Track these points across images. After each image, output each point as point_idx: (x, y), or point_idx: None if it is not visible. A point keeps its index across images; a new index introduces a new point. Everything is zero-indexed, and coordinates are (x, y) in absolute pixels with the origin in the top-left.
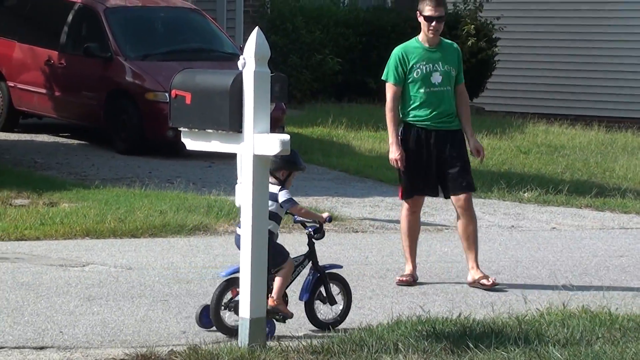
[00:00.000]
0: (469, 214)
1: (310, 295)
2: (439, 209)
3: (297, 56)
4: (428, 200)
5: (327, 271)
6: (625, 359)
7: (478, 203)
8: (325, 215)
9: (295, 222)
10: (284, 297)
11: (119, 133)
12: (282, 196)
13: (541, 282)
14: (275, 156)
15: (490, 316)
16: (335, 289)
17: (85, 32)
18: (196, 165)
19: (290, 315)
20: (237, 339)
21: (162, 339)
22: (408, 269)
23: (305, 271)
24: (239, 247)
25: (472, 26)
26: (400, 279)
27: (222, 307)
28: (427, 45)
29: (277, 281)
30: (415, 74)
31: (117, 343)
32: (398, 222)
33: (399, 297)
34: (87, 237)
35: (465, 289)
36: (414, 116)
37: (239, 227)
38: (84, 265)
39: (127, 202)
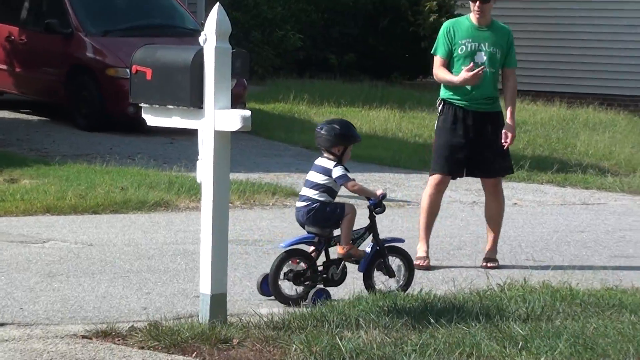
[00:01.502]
0: (497, 197)
1: (368, 267)
2: (400, 185)
3: (259, 32)
4: (390, 176)
5: (387, 244)
6: (585, 334)
7: None
8: (379, 192)
9: None
10: (342, 270)
11: (80, 109)
12: (336, 172)
13: (502, 257)
14: (329, 134)
15: (452, 292)
16: (397, 262)
17: (46, 8)
18: (157, 141)
19: (363, 255)
20: (293, 307)
21: (122, 315)
22: (422, 250)
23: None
24: (299, 222)
25: (435, 2)
26: (416, 263)
27: (281, 277)
28: (476, 23)
29: (343, 228)
30: (459, 50)
31: (77, 319)
32: (358, 198)
33: (360, 273)
34: (47, 214)
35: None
36: (453, 94)
37: (299, 200)
38: (44, 242)
39: (87, 179)
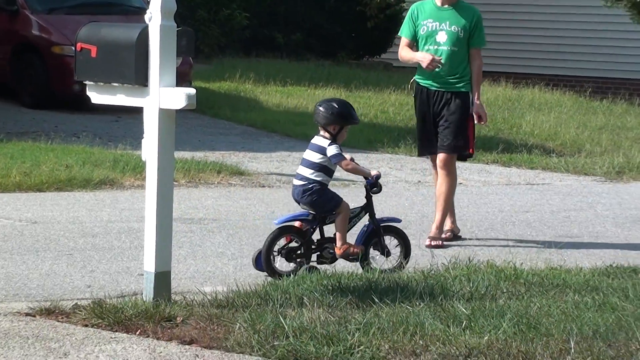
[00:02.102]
0: (444, 174)
1: (363, 245)
2: None
3: (205, 10)
4: None
5: (383, 224)
6: (529, 314)
7: (385, 158)
8: (374, 172)
9: None
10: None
11: (26, 87)
12: (331, 150)
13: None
14: (327, 111)
15: (396, 271)
16: (394, 242)
17: None
18: (103, 119)
19: (363, 250)
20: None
21: (66, 293)
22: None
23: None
24: (295, 199)
25: None
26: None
27: (275, 253)
28: (439, 4)
29: (338, 227)
30: (421, 31)
31: (21, 297)
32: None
33: None
34: None
35: None
36: (420, 74)
37: (296, 179)
38: None
39: (32, 156)
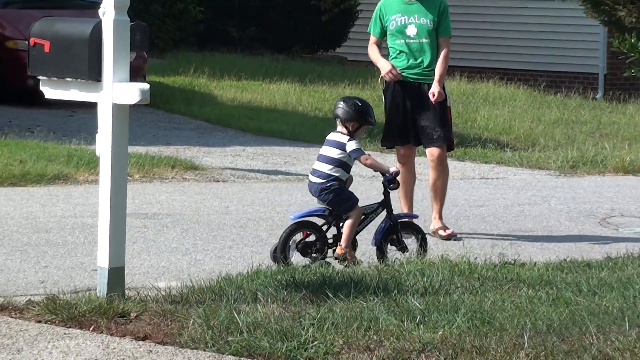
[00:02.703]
0: (439, 168)
1: (381, 242)
2: (300, 159)
3: (159, 5)
4: (290, 149)
5: (400, 220)
6: (483, 308)
7: None
8: (392, 169)
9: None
10: (353, 243)
11: None
12: (350, 145)
13: None
14: (349, 107)
15: (350, 265)
16: (411, 237)
17: None
18: (57, 114)
19: (356, 264)
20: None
21: (20, 288)
22: None
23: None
24: (312, 193)
25: None
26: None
27: (290, 248)
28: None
29: (345, 228)
30: (391, 26)
31: None
32: (259, 171)
33: (259, 247)
34: None
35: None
36: (395, 65)
37: (313, 175)
38: None
39: None
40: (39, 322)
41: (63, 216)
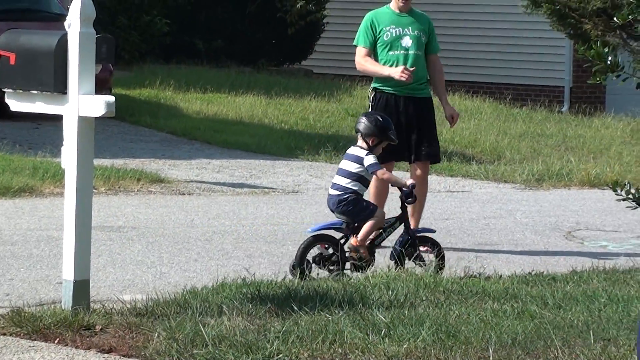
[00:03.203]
0: (424, 183)
1: (399, 256)
2: (266, 172)
3: (126, 17)
4: (256, 162)
5: (418, 234)
6: (448, 322)
7: (305, 166)
8: (409, 182)
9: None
10: (371, 254)
11: None
12: (368, 160)
13: None
14: (370, 122)
15: (316, 279)
16: (428, 251)
17: None
18: (23, 126)
19: (368, 259)
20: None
21: None
22: None
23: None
24: (330, 208)
25: None
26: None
27: (308, 261)
28: (397, 10)
29: (366, 226)
30: (385, 37)
31: None
32: (224, 184)
33: (224, 260)
34: None
35: (291, 251)
36: (384, 81)
37: (332, 188)
38: None
39: None
40: (4, 334)
41: (28, 229)
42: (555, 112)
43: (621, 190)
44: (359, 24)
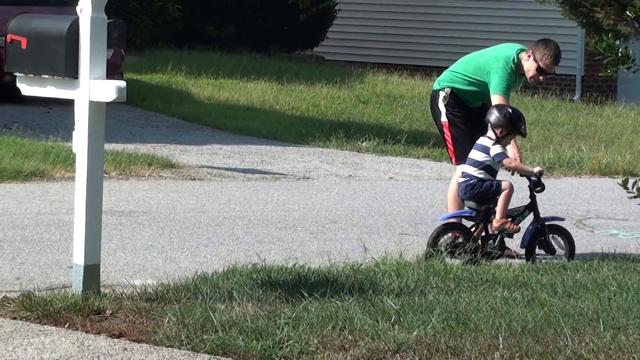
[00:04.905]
0: None
1: (529, 244)
2: (277, 158)
3: (137, 2)
4: (267, 148)
5: (547, 223)
6: (458, 309)
7: (316, 152)
8: (536, 169)
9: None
10: (501, 246)
11: None
12: (494, 150)
13: (377, 231)
14: (500, 113)
15: (326, 265)
16: (558, 240)
17: None
18: (34, 110)
19: (517, 230)
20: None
21: None
22: None
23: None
24: (460, 197)
25: None
26: None
27: (439, 250)
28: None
29: (499, 202)
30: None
31: None
32: (235, 170)
33: (235, 245)
34: None
35: (301, 237)
36: (464, 93)
37: (462, 177)
38: None
39: None
40: (14, 318)
41: (39, 213)
42: (566, 101)
43: (632, 187)
44: (371, 11)
